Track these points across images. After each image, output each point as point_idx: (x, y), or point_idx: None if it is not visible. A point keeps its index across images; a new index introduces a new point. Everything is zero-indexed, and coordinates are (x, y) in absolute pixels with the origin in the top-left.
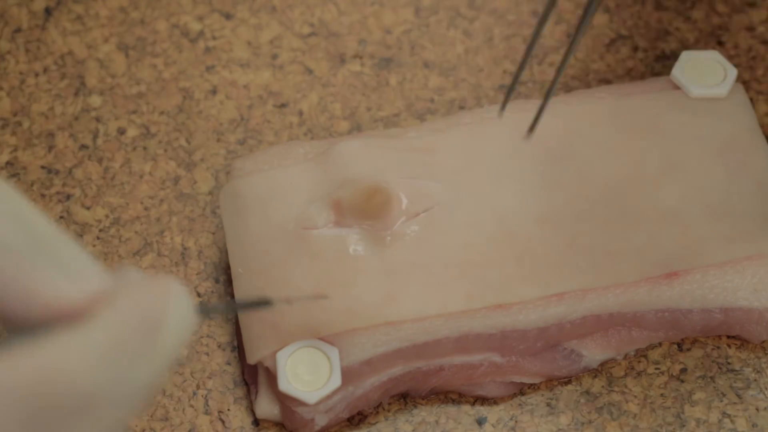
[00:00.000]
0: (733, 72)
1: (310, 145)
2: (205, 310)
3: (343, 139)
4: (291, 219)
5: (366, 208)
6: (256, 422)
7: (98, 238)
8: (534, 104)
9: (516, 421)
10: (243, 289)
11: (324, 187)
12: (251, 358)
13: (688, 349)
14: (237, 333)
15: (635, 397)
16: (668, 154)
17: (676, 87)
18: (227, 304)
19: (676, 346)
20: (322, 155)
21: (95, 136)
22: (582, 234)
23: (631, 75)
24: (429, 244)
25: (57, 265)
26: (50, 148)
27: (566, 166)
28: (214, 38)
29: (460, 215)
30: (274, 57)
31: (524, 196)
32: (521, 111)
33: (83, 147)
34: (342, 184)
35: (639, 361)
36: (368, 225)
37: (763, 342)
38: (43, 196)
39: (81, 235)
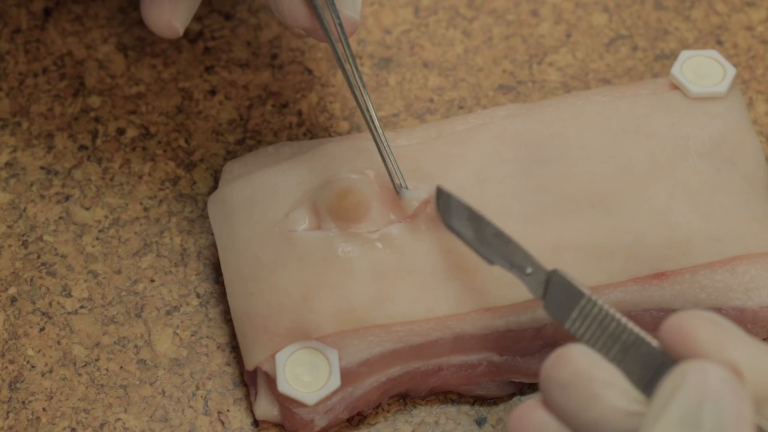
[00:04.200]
0: (732, 71)
1: (298, 146)
2: None
3: (330, 140)
4: (276, 222)
5: (338, 209)
6: (256, 423)
7: (97, 238)
8: (527, 108)
9: None
10: (235, 295)
11: (307, 188)
12: (249, 364)
13: None
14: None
15: None
16: (656, 155)
17: (675, 86)
18: None
19: None
20: (305, 155)
21: (94, 137)
22: (569, 235)
23: (631, 74)
24: (416, 248)
25: None
26: (49, 148)
27: (552, 168)
28: (213, 38)
29: None
30: (274, 57)
31: (509, 199)
32: (511, 117)
33: (82, 147)
34: (321, 185)
35: None
36: (344, 226)
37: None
38: (42, 196)
39: (80, 236)
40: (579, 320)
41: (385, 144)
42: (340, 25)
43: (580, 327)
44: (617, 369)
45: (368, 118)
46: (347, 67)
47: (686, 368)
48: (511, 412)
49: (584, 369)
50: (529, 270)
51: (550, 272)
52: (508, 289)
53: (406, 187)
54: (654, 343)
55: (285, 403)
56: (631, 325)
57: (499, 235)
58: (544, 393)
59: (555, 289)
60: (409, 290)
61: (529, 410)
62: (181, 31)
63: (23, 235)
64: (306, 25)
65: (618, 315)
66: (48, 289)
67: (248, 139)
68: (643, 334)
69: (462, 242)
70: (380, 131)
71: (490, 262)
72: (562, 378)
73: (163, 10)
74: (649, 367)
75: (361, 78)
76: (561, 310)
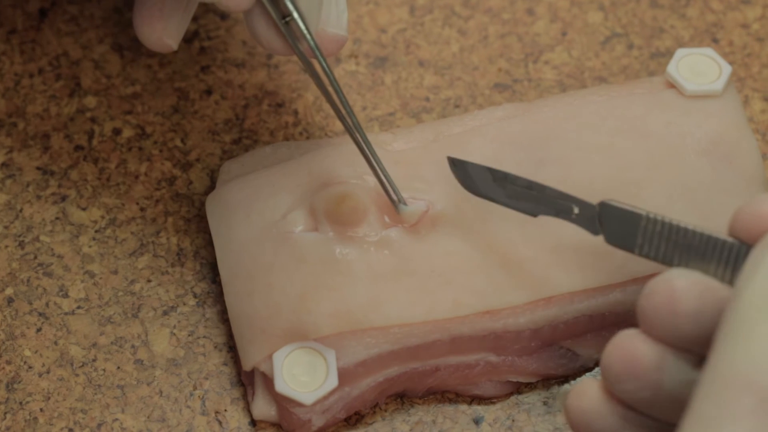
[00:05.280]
0: (727, 69)
1: (296, 146)
2: None
3: (329, 142)
4: (274, 222)
5: (336, 213)
6: (253, 423)
7: (94, 239)
8: (524, 109)
9: (513, 421)
10: (232, 296)
11: (305, 189)
12: (246, 365)
13: None
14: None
15: None
16: (652, 154)
17: (671, 85)
18: None
19: None
20: (304, 157)
21: (90, 137)
22: (568, 235)
23: (626, 73)
24: (414, 250)
25: None
26: (46, 149)
27: (550, 170)
28: (209, 38)
29: (444, 223)
30: (270, 57)
31: None
32: (508, 118)
33: (78, 148)
34: (320, 188)
35: None
36: (341, 230)
37: None
38: (38, 197)
39: (77, 236)
40: (646, 243)
41: (379, 162)
42: (318, 50)
43: (650, 248)
44: (705, 275)
45: (358, 139)
46: (332, 93)
47: None
48: (608, 343)
49: (683, 288)
50: (576, 210)
51: (599, 204)
52: (508, 292)
53: (404, 203)
54: (728, 238)
55: (282, 402)
56: (698, 229)
57: (533, 186)
58: (646, 323)
59: (610, 221)
60: (407, 292)
61: (629, 338)
62: (174, 47)
63: (19, 236)
64: (284, 53)
65: (682, 223)
66: (45, 289)
67: (244, 138)
68: (714, 233)
69: (498, 204)
70: (373, 151)
71: (533, 214)
72: (664, 302)
73: (154, 29)
74: (729, 261)
75: (347, 103)
76: (625, 239)
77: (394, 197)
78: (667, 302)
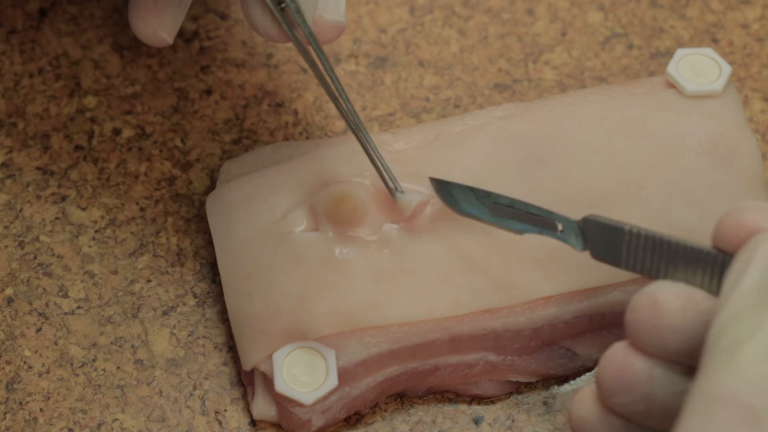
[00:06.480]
0: (727, 69)
1: (296, 146)
2: None
3: (329, 141)
4: (274, 222)
5: (336, 213)
6: (253, 423)
7: (94, 239)
8: (524, 108)
9: (513, 420)
10: (232, 296)
11: (305, 189)
12: (246, 365)
13: None
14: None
15: None
16: (652, 154)
17: (671, 85)
18: None
19: None
20: (304, 157)
21: (90, 137)
22: None
23: (626, 73)
24: (414, 250)
25: None
26: (45, 149)
27: (550, 169)
28: (208, 38)
29: (443, 222)
30: (269, 57)
31: None
32: (508, 117)
33: (78, 148)
34: (319, 188)
35: None
36: (341, 230)
37: None
38: (38, 197)
39: (77, 236)
40: (631, 256)
41: (374, 149)
42: (313, 37)
43: (636, 262)
44: (688, 286)
45: (353, 125)
46: (326, 78)
47: (758, 239)
48: (602, 356)
49: (668, 302)
50: (560, 227)
51: (582, 221)
52: (507, 291)
53: (401, 191)
54: (712, 249)
55: (282, 402)
56: (682, 241)
57: (515, 203)
58: (632, 337)
59: (594, 236)
60: (407, 292)
61: (621, 351)
62: (170, 41)
63: (19, 236)
64: (280, 40)
65: (666, 236)
66: (45, 289)
67: (244, 138)
68: (696, 244)
69: (483, 223)
70: (368, 137)
71: (519, 232)
72: (648, 317)
73: (149, 23)
74: (714, 272)
75: (342, 88)
76: (610, 253)
77: (391, 185)
78: (650, 316)
